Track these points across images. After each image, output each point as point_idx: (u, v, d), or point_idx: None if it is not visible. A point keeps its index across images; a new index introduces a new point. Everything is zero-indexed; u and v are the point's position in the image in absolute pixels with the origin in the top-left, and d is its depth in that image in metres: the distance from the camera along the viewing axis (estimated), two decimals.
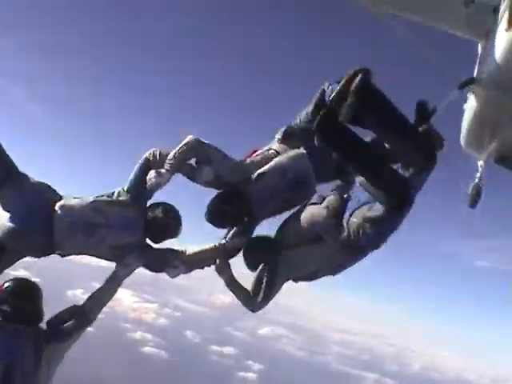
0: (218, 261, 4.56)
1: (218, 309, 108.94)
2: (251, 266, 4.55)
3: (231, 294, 4.62)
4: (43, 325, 4.01)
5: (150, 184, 4.26)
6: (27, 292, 3.93)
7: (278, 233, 4.55)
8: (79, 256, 4.43)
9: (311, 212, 4.26)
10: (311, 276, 4.50)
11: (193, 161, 4.48)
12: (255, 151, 4.60)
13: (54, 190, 4.34)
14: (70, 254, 4.38)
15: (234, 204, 4.35)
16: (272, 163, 4.37)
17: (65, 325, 4.02)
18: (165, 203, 4.40)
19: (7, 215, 4.14)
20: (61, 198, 4.29)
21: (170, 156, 4.25)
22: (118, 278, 4.31)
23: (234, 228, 4.63)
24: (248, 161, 4.51)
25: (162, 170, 4.24)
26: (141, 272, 4.43)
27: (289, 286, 4.56)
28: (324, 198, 4.29)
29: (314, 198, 4.38)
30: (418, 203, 3.92)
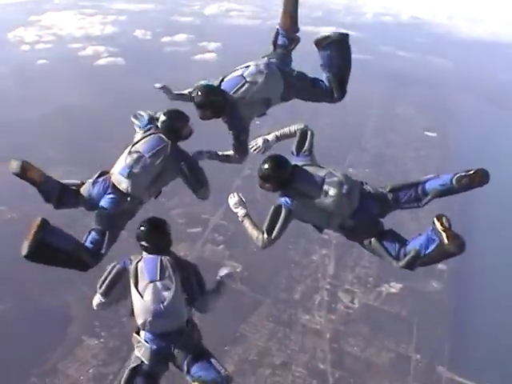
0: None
1: (162, 3, 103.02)
2: (276, 180, 4.99)
3: None
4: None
5: None
6: (160, 227, 4.92)
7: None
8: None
9: None
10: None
11: None
12: None
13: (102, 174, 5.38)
14: (146, 192, 5.45)
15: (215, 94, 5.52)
16: None
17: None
18: (165, 111, 5.43)
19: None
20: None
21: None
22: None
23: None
24: None
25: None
26: None
27: None
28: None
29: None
30: None
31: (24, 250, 4.60)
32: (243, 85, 5.48)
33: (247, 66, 5.62)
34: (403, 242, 4.90)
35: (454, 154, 52.53)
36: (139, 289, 4.54)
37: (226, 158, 5.87)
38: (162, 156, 5.16)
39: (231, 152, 5.78)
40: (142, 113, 5.56)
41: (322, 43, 5.59)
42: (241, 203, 5.28)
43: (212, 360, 4.62)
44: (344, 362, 31.26)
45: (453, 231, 4.59)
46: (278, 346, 31.69)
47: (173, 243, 5.00)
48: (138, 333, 4.74)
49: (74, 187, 5.24)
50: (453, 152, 53.12)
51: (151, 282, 4.53)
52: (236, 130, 5.60)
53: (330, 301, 34.71)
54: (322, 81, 5.79)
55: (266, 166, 4.90)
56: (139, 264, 4.66)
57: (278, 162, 4.92)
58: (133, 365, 4.65)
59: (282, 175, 4.89)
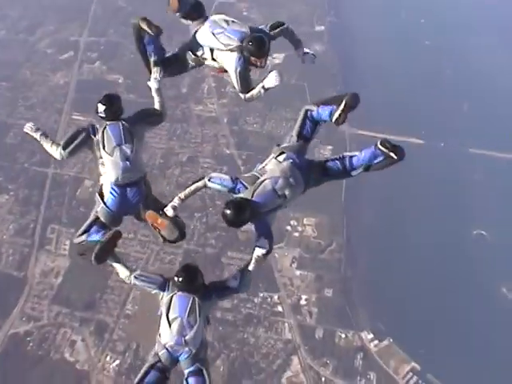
0: None
1: None
2: (240, 223, 5.19)
3: None
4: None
5: None
6: (194, 274, 5.48)
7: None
8: None
9: None
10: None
11: None
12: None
13: None
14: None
15: None
16: None
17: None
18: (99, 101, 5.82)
19: None
20: None
21: None
22: None
23: None
24: None
25: None
26: None
27: None
28: None
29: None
30: None
31: (175, 235, 5.53)
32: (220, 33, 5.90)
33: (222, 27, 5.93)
34: (342, 159, 5.48)
35: None
36: (169, 318, 5.37)
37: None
38: (129, 133, 5.68)
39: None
40: (80, 128, 5.78)
41: None
42: None
43: (207, 379, 5.54)
44: (248, 142, 32.27)
45: (395, 147, 5.17)
46: (180, 144, 32.11)
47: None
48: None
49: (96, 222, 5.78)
50: None
51: (180, 317, 5.35)
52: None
53: (218, 86, 34.52)
54: None
55: (228, 213, 5.13)
56: (173, 297, 5.43)
57: (237, 207, 5.17)
58: (150, 362, 5.55)
59: (245, 216, 5.17)
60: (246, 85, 5.97)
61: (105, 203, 5.75)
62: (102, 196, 5.79)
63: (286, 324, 27.27)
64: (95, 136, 5.70)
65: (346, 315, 27.79)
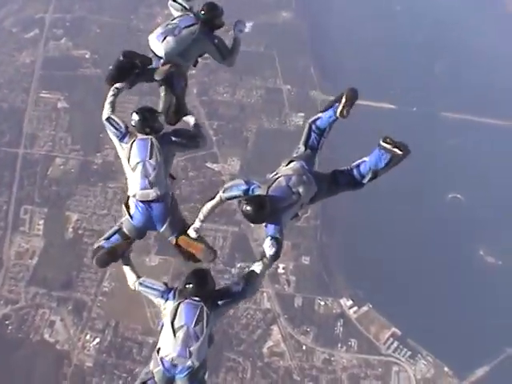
0: None
1: None
2: (261, 219, 5.20)
3: None
4: None
5: None
6: (206, 279, 5.23)
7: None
8: None
9: None
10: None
11: None
12: None
13: None
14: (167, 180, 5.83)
15: None
16: None
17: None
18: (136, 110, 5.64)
19: None
20: None
21: None
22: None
23: None
24: None
25: None
26: None
27: None
28: None
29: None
30: None
31: (211, 257, 5.61)
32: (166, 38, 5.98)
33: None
34: (350, 170, 5.67)
35: None
36: (174, 326, 5.04)
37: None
38: (157, 151, 5.59)
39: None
40: (117, 120, 5.77)
41: None
42: None
43: None
44: (218, 112, 31.90)
45: (398, 143, 5.36)
46: None
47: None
48: (158, 350, 5.20)
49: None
50: None
51: (186, 325, 5.03)
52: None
53: None
54: None
55: (249, 209, 5.13)
56: (181, 305, 5.12)
57: (257, 202, 5.18)
58: (143, 379, 5.27)
59: (266, 211, 5.17)
60: (227, 48, 6.25)
61: (131, 216, 5.71)
62: (127, 207, 5.72)
63: (265, 294, 27.25)
64: (123, 140, 5.72)
65: (324, 282, 27.82)
